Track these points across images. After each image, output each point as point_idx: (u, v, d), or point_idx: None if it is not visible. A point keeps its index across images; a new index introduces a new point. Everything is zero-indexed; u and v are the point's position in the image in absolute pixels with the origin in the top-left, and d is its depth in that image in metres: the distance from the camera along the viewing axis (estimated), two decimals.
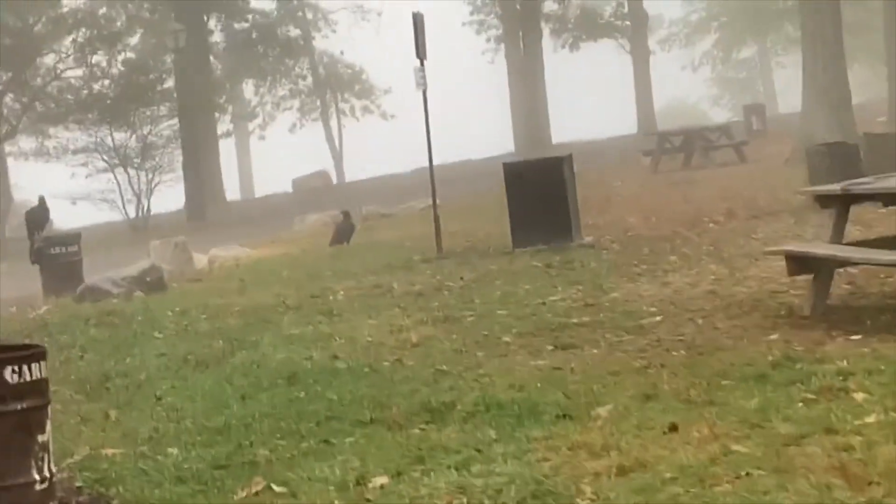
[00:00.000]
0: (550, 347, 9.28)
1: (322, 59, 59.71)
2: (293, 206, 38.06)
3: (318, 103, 61.83)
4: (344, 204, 36.10)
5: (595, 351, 8.99)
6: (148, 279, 16.37)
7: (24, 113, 32.57)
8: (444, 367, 8.94)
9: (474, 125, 67.68)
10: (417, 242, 18.92)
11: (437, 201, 28.81)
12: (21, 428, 5.95)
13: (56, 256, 18.41)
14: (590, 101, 67.81)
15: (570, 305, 10.84)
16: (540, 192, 15.52)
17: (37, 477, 5.96)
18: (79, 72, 33.93)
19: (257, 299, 14.28)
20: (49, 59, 33.85)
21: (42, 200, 19.31)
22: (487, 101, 65.70)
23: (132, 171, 32.41)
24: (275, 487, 6.35)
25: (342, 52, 60.12)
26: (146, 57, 35.66)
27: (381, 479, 6.19)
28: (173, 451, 7.43)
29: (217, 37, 43.31)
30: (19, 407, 5.94)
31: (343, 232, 20.13)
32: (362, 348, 10.27)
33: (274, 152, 61.55)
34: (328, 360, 9.82)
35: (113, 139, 33.09)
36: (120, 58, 34.17)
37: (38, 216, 19.08)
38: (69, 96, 32.51)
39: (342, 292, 14.00)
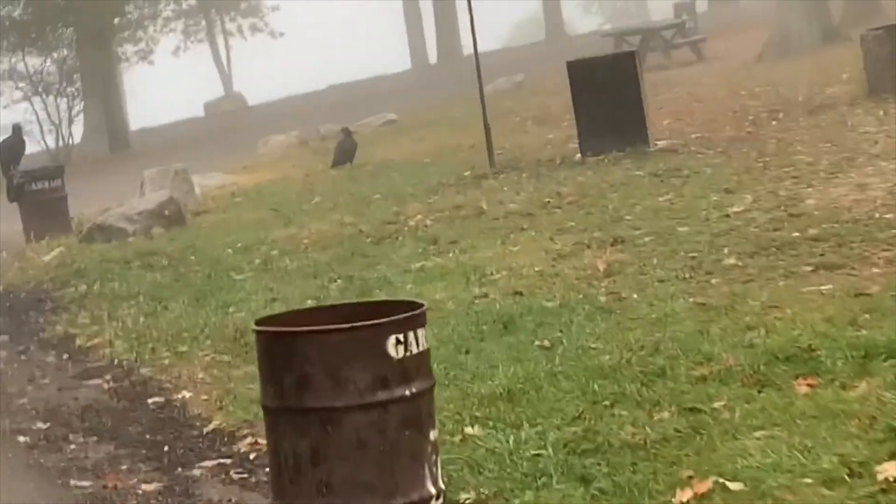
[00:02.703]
0: (808, 268, 7.73)
1: None
2: (213, 130, 35.93)
3: (203, 23, 59.04)
4: (268, 127, 34.20)
5: (876, 270, 7.47)
6: (166, 213, 14.43)
7: None
8: (700, 300, 7.35)
9: (368, 43, 65.47)
10: (442, 158, 17.23)
11: (393, 117, 27.29)
12: (411, 423, 4.26)
13: (38, 193, 16.31)
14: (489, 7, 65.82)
15: (771, 217, 9.29)
16: (611, 93, 13.90)
17: (432, 490, 4.28)
18: None
19: (316, 229, 12.51)
20: None
21: (17, 129, 17.12)
22: (377, 16, 63.55)
23: (50, 99, 29.91)
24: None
25: None
26: None
27: None
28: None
29: None
30: (407, 392, 4.24)
31: (345, 151, 18.27)
32: (542, 281, 8.64)
33: (159, 77, 58.82)
34: (520, 299, 8.17)
35: (26, 65, 30.54)
36: None
37: (13, 148, 16.89)
38: None
39: (419, 216, 12.28)
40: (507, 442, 5.39)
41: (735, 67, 25.77)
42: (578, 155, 14.46)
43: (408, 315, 4.26)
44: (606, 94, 13.94)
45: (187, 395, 7.28)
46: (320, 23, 71.45)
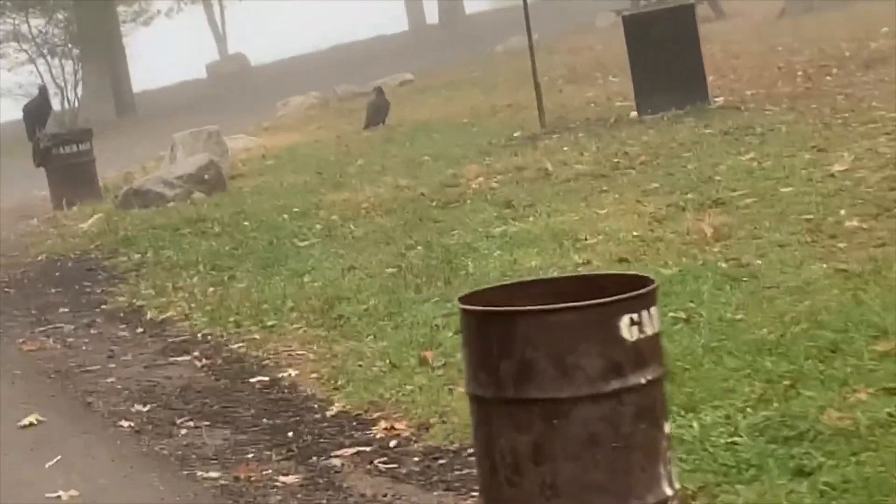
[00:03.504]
0: None
1: None
2: (218, 91, 35.32)
3: None
4: (276, 88, 33.55)
5: None
6: (206, 177, 13.87)
7: None
8: (839, 266, 6.86)
9: (362, 4, 64.52)
10: (481, 119, 16.69)
11: (409, 77, 26.68)
12: (646, 415, 3.75)
13: (66, 157, 15.69)
14: None
15: (883, 176, 8.79)
16: (669, 48, 13.35)
17: (668, 491, 3.78)
18: None
19: (372, 193, 11.98)
20: None
21: (43, 91, 16.48)
22: None
23: (55, 62, 29.20)
24: None
25: None
26: None
27: None
28: None
29: None
30: (642, 380, 3.73)
31: (378, 111, 17.68)
32: (646, 247, 8.15)
33: (152, 39, 57.96)
34: (627, 266, 7.68)
35: (30, 26, 29.75)
36: None
37: (38, 110, 16.25)
38: None
39: (480, 178, 11.77)
40: (692, 427, 4.91)
41: (759, 23, 25.28)
42: (634, 113, 13.94)
43: (642, 292, 3.75)
44: (664, 50, 13.41)
45: (293, 373, 6.77)
46: None
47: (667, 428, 3.82)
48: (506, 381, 3.75)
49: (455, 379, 6.10)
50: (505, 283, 4.32)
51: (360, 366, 6.68)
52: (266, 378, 6.77)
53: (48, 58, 29.57)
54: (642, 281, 3.85)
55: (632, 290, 3.76)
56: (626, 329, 3.70)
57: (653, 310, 3.77)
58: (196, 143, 15.72)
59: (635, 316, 3.72)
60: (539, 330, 3.71)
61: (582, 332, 3.69)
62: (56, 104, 30.03)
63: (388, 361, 6.62)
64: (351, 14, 60.51)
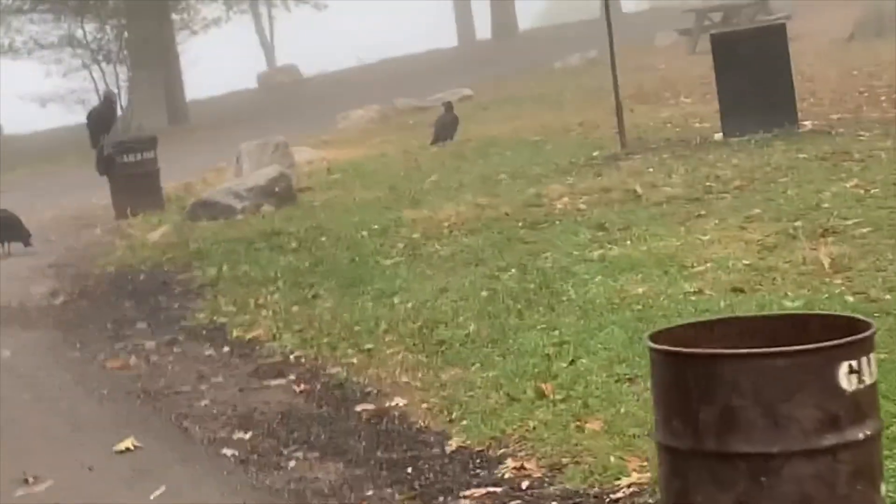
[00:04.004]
0: None
1: None
2: (270, 102, 35.05)
3: None
4: (330, 100, 33.26)
5: None
6: (276, 189, 13.53)
7: None
8: None
9: (410, 19, 64.37)
10: (554, 137, 16.29)
11: (468, 92, 26.32)
12: (863, 474, 3.35)
13: (130, 165, 15.38)
14: None
15: None
16: (758, 68, 12.92)
17: None
18: None
19: (454, 211, 11.61)
20: None
21: (109, 97, 16.19)
22: None
23: (108, 67, 28.96)
24: None
25: None
26: None
27: None
28: None
29: None
30: (860, 435, 3.34)
31: (447, 127, 17.31)
32: (759, 276, 7.73)
33: (200, 48, 57.89)
34: (745, 297, 7.27)
35: (84, 32, 29.53)
36: None
37: (103, 117, 15.95)
38: None
39: (565, 199, 11.38)
40: None
41: (828, 47, 24.78)
42: (719, 135, 13.52)
43: (862, 336, 3.35)
44: (753, 70, 12.97)
45: (400, 402, 6.38)
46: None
47: (883, 489, 3.43)
48: (706, 431, 3.37)
49: (581, 415, 5.72)
50: (697, 321, 3.91)
51: (472, 396, 6.30)
52: (372, 406, 6.39)
53: (101, 64, 29.29)
54: (855, 323, 3.46)
55: (847, 334, 3.37)
56: (845, 378, 3.32)
57: (871, 356, 3.38)
58: (262, 154, 15.40)
59: (854, 363, 3.33)
60: (747, 375, 3.32)
61: (796, 380, 3.30)
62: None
63: (502, 392, 6.24)
64: (399, 28, 60.43)
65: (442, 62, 39.58)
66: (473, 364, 6.88)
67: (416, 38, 51.72)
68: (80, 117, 32.38)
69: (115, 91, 29.28)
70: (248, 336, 8.29)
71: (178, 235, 12.64)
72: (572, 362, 6.58)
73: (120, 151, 15.42)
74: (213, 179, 18.31)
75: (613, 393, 5.94)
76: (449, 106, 17.76)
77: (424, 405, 6.29)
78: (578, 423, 5.61)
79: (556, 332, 7.18)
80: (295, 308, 8.91)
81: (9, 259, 13.21)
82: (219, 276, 10.45)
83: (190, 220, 13.44)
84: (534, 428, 5.65)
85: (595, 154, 13.86)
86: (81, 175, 23.49)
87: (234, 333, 8.40)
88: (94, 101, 29.33)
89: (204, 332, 8.70)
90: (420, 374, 6.83)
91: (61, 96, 30.32)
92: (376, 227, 11.27)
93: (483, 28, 51.40)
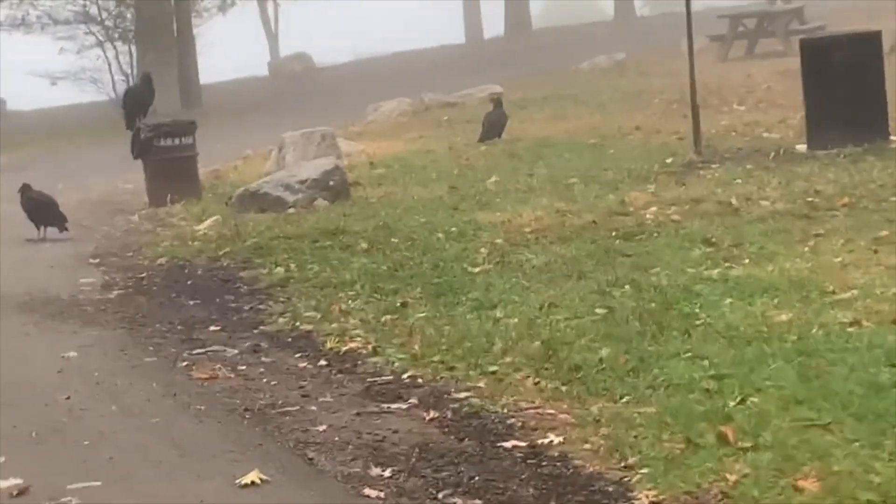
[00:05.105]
0: None
1: None
2: (283, 90, 34.23)
3: None
4: (341, 89, 32.43)
5: None
6: (331, 183, 12.74)
7: None
8: None
9: (417, 14, 63.50)
10: (610, 140, 15.58)
11: (498, 89, 25.49)
12: None
13: (167, 150, 14.55)
14: None
15: None
16: (850, 78, 12.19)
17: None
18: None
19: (532, 216, 10.87)
20: None
21: (146, 79, 15.33)
22: None
23: (122, 46, 28.04)
24: None
25: None
26: None
27: None
28: None
29: None
30: None
31: (495, 125, 16.53)
32: None
33: (204, 34, 57.09)
34: None
35: (99, 9, 28.61)
36: None
37: (140, 99, 15.11)
38: None
39: (653, 209, 10.65)
40: None
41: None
42: (801, 146, 12.80)
43: None
44: (844, 80, 12.24)
45: (555, 439, 5.61)
46: None
47: None
48: None
49: (786, 469, 4.96)
50: None
51: (639, 437, 5.53)
52: (523, 443, 5.61)
53: (116, 43, 28.41)
54: None
55: None
56: None
57: None
58: (308, 144, 14.64)
59: None
60: None
61: None
62: (121, 92, 28.97)
63: (674, 434, 5.47)
64: (405, 22, 59.59)
65: (456, 58, 38.78)
66: (622, 396, 6.11)
67: (415, 32, 50.96)
68: (91, 96, 31.70)
69: (129, 72, 28.51)
70: (345, 348, 7.50)
71: (228, 228, 11.83)
72: (742, 401, 5.83)
73: (157, 135, 14.58)
74: (245, 168, 17.54)
75: (814, 443, 5.18)
76: (498, 102, 16.98)
77: (586, 445, 5.51)
78: (787, 479, 4.85)
79: (706, 363, 6.43)
80: (386, 317, 8.13)
81: (45, 245, 12.40)
82: (288, 275, 9.66)
83: (239, 212, 12.63)
84: (735, 483, 4.88)
85: (669, 161, 13.12)
86: (97, 155, 22.74)
87: (328, 344, 7.60)
88: (107, 80, 28.52)
89: (289, 339, 7.92)
90: (566, 406, 6.07)
91: (73, 74, 29.43)
92: (454, 230, 10.48)
93: (489, 26, 50.69)
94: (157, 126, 14.80)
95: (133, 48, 28.25)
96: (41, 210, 12.64)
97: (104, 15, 28.75)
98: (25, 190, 12.79)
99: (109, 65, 28.01)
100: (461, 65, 34.81)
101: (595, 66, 28.33)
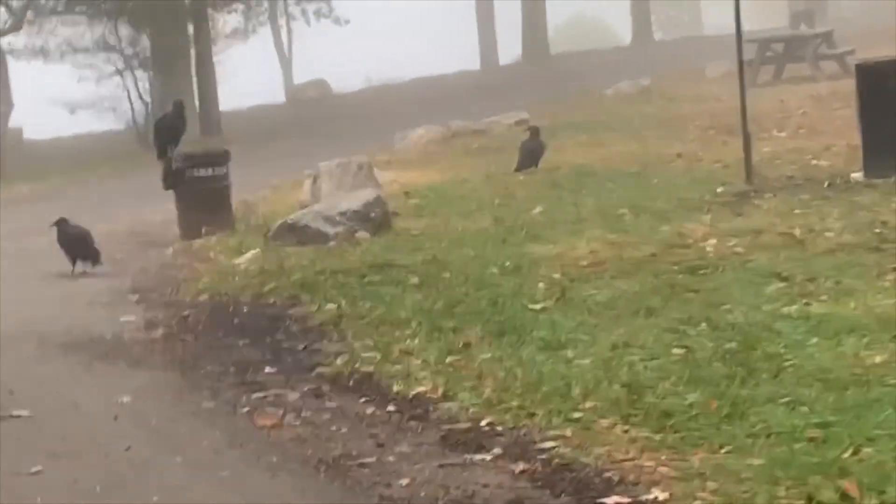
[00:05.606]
0: None
1: None
2: (303, 117, 33.93)
3: (266, 5, 56.86)
4: (361, 116, 32.13)
5: None
6: (372, 215, 12.39)
7: (28, 3, 27.53)
8: None
9: (431, 40, 63.30)
10: (652, 168, 15.19)
11: (525, 116, 25.15)
12: None
13: (200, 181, 14.21)
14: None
15: None
16: None
17: None
18: None
19: (588, 249, 10.52)
20: None
21: (178, 107, 15.00)
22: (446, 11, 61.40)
23: (141, 74, 27.75)
24: None
25: None
26: None
27: None
28: None
29: None
30: None
31: (533, 153, 16.18)
32: None
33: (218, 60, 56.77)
34: None
35: (119, 37, 28.30)
36: None
37: (172, 128, 14.77)
38: None
39: (713, 241, 10.29)
40: None
41: None
42: (857, 174, 12.43)
43: None
44: None
45: (660, 495, 5.24)
46: (376, 13, 69.51)
47: None
48: None
49: None
50: None
51: (748, 493, 5.16)
52: (626, 500, 5.25)
53: (136, 71, 28.12)
54: None
55: None
56: None
57: None
58: (344, 174, 14.28)
59: None
60: None
61: None
62: (141, 119, 28.69)
63: (789, 489, 5.11)
64: (420, 49, 59.34)
65: (475, 84, 38.51)
66: (722, 446, 5.74)
67: (429, 58, 50.65)
68: (107, 125, 31.39)
69: (148, 100, 28.22)
70: (413, 392, 7.14)
71: (269, 262, 11.47)
72: (855, 451, 5.46)
73: (190, 165, 14.25)
74: (275, 198, 17.21)
75: None
76: (535, 131, 16.61)
77: (696, 502, 5.14)
78: None
79: (805, 409, 6.07)
80: (450, 358, 7.77)
81: (80, 280, 12.06)
82: (339, 313, 9.30)
83: (277, 245, 12.28)
84: None
85: (719, 190, 12.76)
86: (119, 185, 22.44)
87: (395, 388, 7.23)
88: (126, 108, 28.24)
89: (350, 382, 7.55)
90: (664, 458, 5.69)
91: (92, 102, 29.13)
92: (508, 264, 10.12)
93: (503, 52, 50.40)
94: (190, 156, 14.47)
95: (152, 76, 27.90)
96: (78, 244, 12.30)
97: (123, 43, 28.40)
98: (62, 224, 12.45)
99: (129, 93, 27.69)
100: (481, 91, 34.52)
101: (620, 92, 28.00)
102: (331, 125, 29.41)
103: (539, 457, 5.85)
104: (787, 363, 6.84)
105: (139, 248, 13.98)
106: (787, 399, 6.22)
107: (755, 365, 6.86)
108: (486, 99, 30.71)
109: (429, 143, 21.16)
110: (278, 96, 40.65)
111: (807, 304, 8.05)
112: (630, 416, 6.30)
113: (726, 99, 24.37)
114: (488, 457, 5.93)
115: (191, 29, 30.28)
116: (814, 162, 14.22)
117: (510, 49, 49.84)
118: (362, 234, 12.21)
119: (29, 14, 27.65)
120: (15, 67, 29.51)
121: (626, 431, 6.10)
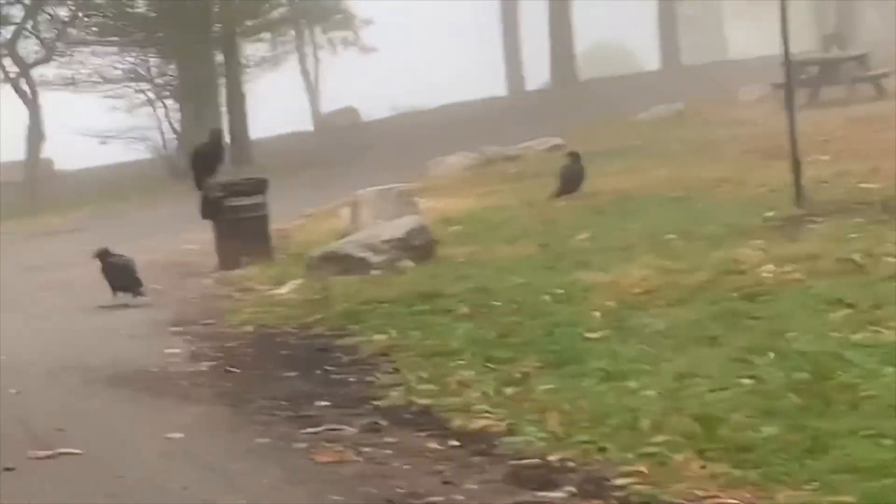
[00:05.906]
0: None
1: None
2: (333, 145, 33.84)
3: (293, 34, 56.81)
4: (392, 144, 32.00)
5: None
6: (416, 243, 12.19)
7: (59, 35, 27.50)
8: None
9: (457, 67, 63.15)
10: (700, 193, 14.95)
11: (559, 141, 24.94)
12: None
13: (238, 210, 14.03)
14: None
15: None
16: None
17: None
18: None
19: (638, 275, 10.28)
20: None
21: (215, 135, 14.84)
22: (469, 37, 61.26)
23: (172, 103, 27.64)
24: None
25: None
26: None
27: None
28: None
29: None
30: None
31: (573, 179, 15.98)
32: None
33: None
34: None
35: (149, 68, 28.24)
36: None
37: (209, 157, 14.61)
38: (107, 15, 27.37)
39: (770, 266, 10.03)
40: None
41: None
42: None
43: None
44: None
45: None
46: (401, 42, 69.44)
47: None
48: None
49: None
50: None
51: None
52: None
53: (164, 101, 28.03)
54: None
55: None
56: None
57: None
58: (384, 202, 14.09)
59: None
60: None
61: None
62: (171, 149, 28.59)
63: None
64: (445, 76, 59.23)
65: (504, 110, 38.36)
66: (808, 483, 5.50)
67: (453, 85, 50.45)
68: (136, 154, 31.30)
69: (179, 130, 28.11)
70: (474, 426, 6.90)
71: (312, 292, 11.27)
72: None
73: (228, 194, 14.07)
74: (312, 227, 17.04)
75: None
76: (576, 157, 16.41)
77: None
78: None
79: (890, 442, 5.82)
80: (509, 390, 7.54)
81: (121, 311, 11.86)
82: (389, 343, 9.08)
83: (318, 275, 12.08)
84: None
85: (769, 214, 12.51)
86: (152, 214, 22.32)
87: (456, 421, 7.00)
88: (156, 137, 28.12)
89: (407, 416, 7.32)
90: (748, 494, 5.44)
91: (122, 132, 29.06)
92: (559, 291, 9.89)
93: (530, 78, 50.26)
94: (228, 185, 14.30)
95: (183, 106, 27.82)
96: (123, 274, 12.10)
97: (154, 72, 28.32)
98: (104, 255, 12.26)
99: (160, 123, 27.60)
100: (510, 116, 34.38)
101: (654, 116, 27.83)
102: (362, 153, 29.29)
103: (615, 494, 5.62)
104: (863, 394, 6.59)
105: (177, 279, 13.81)
106: (869, 432, 5.97)
107: (830, 396, 6.61)
108: (515, 125, 30.55)
109: (464, 169, 20.96)
110: (306, 125, 40.52)
111: (876, 331, 7.80)
112: (706, 450, 6.05)
113: (763, 122, 24.17)
114: (562, 494, 5.70)
115: (220, 58, 30.16)
116: (862, 185, 13.96)
117: (535, 76, 49.78)
118: (405, 263, 12.00)
119: (59, 45, 27.56)
120: (45, 98, 29.45)
121: (703, 467, 5.86)
